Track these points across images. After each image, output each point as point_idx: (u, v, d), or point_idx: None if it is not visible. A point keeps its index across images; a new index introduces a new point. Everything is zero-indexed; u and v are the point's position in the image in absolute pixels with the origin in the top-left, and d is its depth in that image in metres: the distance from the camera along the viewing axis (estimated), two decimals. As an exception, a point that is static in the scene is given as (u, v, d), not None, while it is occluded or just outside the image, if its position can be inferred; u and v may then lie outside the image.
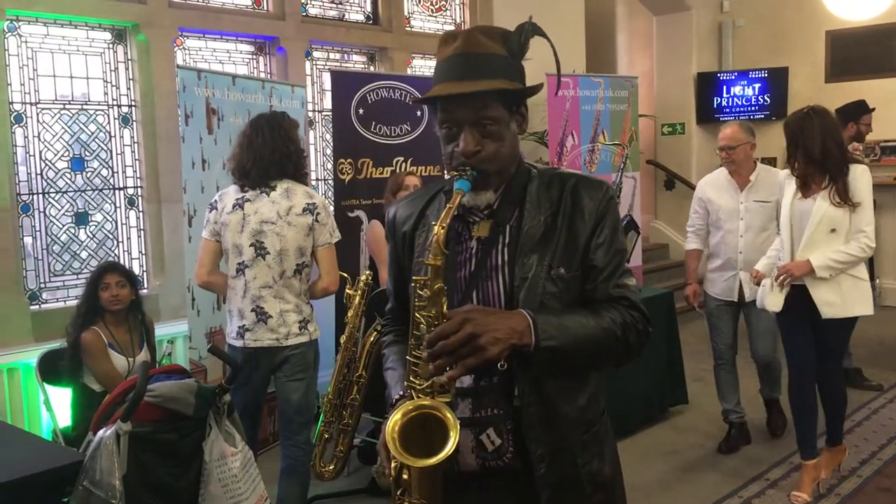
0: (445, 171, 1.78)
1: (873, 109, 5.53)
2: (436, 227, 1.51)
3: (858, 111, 5.44)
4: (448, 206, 1.54)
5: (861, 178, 3.56)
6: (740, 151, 4.23)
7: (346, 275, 3.60)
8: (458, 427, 1.46)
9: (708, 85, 8.96)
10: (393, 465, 1.53)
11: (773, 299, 3.71)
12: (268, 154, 3.29)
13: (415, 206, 1.78)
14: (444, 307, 1.51)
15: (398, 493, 1.56)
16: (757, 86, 8.76)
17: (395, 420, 1.51)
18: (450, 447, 1.45)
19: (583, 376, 1.67)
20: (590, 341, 1.55)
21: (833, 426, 3.90)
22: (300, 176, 3.38)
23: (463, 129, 1.58)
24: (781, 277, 3.64)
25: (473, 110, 1.56)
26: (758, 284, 3.91)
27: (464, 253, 1.65)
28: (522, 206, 1.64)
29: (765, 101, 8.73)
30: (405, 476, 1.52)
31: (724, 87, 8.90)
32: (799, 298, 3.65)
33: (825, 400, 3.84)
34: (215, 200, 3.38)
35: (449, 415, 1.48)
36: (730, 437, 4.47)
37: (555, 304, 1.58)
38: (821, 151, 3.53)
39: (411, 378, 1.56)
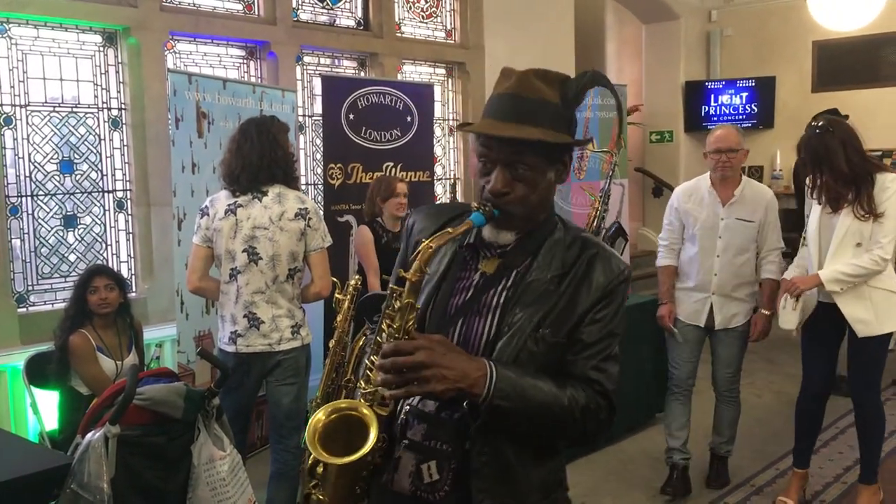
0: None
1: (846, 117, 5.57)
2: (424, 244, 1.50)
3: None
4: (448, 230, 1.53)
5: (892, 187, 3.39)
6: (739, 157, 3.79)
7: (335, 280, 3.60)
8: (377, 427, 1.47)
9: (696, 93, 9.04)
10: (310, 459, 1.54)
11: (786, 317, 3.55)
12: (256, 160, 3.29)
13: (434, 220, 1.74)
14: (410, 323, 1.49)
15: (311, 484, 1.56)
16: (744, 95, 8.84)
17: (318, 418, 1.51)
18: (367, 447, 1.46)
19: (546, 443, 1.64)
20: (544, 412, 1.51)
21: (867, 458, 3.66)
22: (290, 181, 3.39)
23: (496, 168, 1.55)
24: (794, 290, 3.50)
25: (509, 152, 1.54)
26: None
27: (464, 281, 1.63)
28: (536, 257, 1.60)
29: (752, 109, 8.81)
30: (319, 469, 1.54)
31: (712, 96, 8.98)
32: (826, 316, 3.53)
33: (859, 424, 3.67)
34: (206, 206, 3.38)
35: (367, 412, 1.49)
36: (671, 480, 4.01)
37: (531, 364, 1.54)
38: (847, 165, 3.38)
39: (362, 381, 1.56)
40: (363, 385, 1.54)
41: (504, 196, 1.55)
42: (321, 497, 1.54)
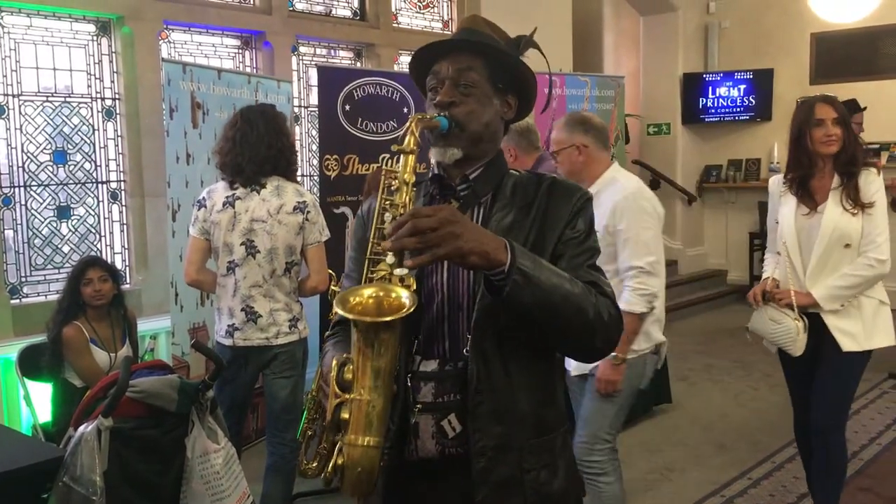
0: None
1: (864, 108, 5.53)
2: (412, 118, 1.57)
3: (849, 110, 5.46)
4: (417, 115, 1.58)
5: (878, 181, 3.00)
6: (564, 157, 2.97)
7: (331, 272, 3.58)
8: (414, 295, 1.37)
9: (694, 85, 9.01)
10: (330, 405, 1.40)
11: (800, 343, 3.04)
12: (264, 150, 3.23)
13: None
14: (411, 198, 1.50)
15: (334, 436, 1.41)
16: (742, 87, 8.81)
17: (343, 302, 1.39)
18: (407, 304, 1.34)
19: (543, 371, 1.60)
20: (563, 289, 1.44)
21: (826, 489, 3.18)
22: (290, 172, 3.35)
23: (444, 85, 1.63)
24: (796, 305, 3.02)
25: (456, 66, 1.62)
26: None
27: None
28: (497, 190, 1.64)
29: (750, 102, 8.78)
30: (345, 415, 1.39)
31: (710, 88, 8.95)
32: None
33: (821, 470, 3.17)
34: (203, 198, 3.33)
35: (399, 288, 1.38)
36: None
37: None
38: (855, 139, 3.07)
39: (369, 273, 1.46)
40: (374, 273, 1.43)
41: (451, 106, 1.60)
42: (359, 396, 1.39)
